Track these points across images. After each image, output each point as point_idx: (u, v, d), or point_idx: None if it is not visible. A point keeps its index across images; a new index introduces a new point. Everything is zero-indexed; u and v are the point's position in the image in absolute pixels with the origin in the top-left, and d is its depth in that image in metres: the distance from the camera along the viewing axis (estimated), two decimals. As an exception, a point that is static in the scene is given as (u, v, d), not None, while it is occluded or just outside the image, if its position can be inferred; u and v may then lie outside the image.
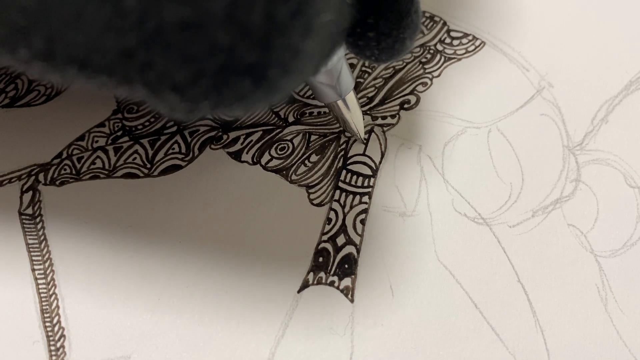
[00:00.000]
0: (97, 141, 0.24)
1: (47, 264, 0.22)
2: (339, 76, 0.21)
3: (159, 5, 0.12)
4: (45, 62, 0.13)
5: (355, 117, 0.23)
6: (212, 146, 0.24)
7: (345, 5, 0.15)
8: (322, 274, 0.22)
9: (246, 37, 0.12)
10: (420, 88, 0.26)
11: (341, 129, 0.24)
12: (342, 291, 0.21)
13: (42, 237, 0.22)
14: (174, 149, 0.24)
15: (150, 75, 0.13)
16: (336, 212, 0.23)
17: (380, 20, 0.16)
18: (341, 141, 0.24)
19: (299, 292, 0.21)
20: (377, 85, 0.26)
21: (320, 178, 0.24)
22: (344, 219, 0.23)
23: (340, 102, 0.22)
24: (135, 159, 0.24)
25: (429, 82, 0.26)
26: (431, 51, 0.27)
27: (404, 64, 0.26)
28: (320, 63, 0.16)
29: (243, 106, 0.14)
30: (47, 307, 0.21)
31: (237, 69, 0.13)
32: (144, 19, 0.12)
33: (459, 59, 0.26)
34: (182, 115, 0.14)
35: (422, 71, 0.26)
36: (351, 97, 0.22)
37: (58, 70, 0.13)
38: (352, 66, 0.26)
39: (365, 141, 0.24)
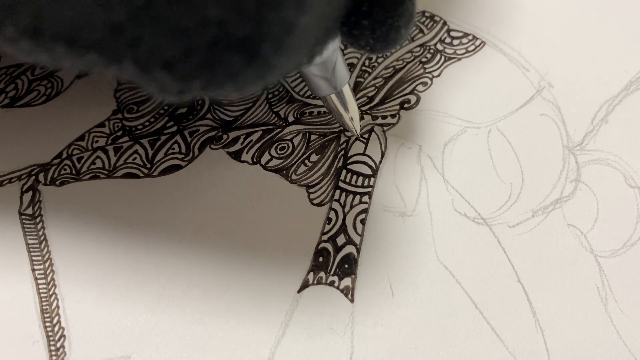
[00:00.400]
0: (97, 141, 0.24)
1: (47, 264, 0.22)
2: (334, 68, 0.20)
3: None
4: (33, 40, 0.13)
5: (350, 110, 0.23)
6: (212, 146, 0.24)
7: None
8: (322, 274, 0.22)
9: (238, 10, 0.12)
10: (420, 88, 0.26)
11: (341, 128, 0.24)
12: (342, 291, 0.21)
13: (42, 237, 0.22)
14: (174, 149, 0.24)
15: (139, 51, 0.12)
16: (336, 212, 0.23)
17: (375, 7, 0.16)
18: (341, 141, 0.24)
19: (299, 292, 0.21)
20: (377, 85, 0.26)
21: (320, 178, 0.24)
22: (344, 219, 0.23)
23: (334, 96, 0.22)
24: (135, 159, 0.24)
25: (429, 82, 0.26)
26: (431, 51, 0.27)
27: (404, 63, 0.26)
28: (314, 48, 0.15)
29: (235, 85, 0.13)
30: (47, 307, 0.21)
31: (229, 44, 0.12)
32: None
33: (459, 59, 0.26)
34: (173, 95, 0.13)
35: (422, 71, 0.26)
36: (346, 91, 0.22)
37: (46, 48, 0.13)
38: (352, 65, 0.26)
39: (361, 136, 0.24)
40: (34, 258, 0.22)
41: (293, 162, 0.24)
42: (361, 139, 0.24)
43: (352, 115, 0.23)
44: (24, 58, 0.13)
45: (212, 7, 0.12)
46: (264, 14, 0.12)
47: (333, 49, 0.19)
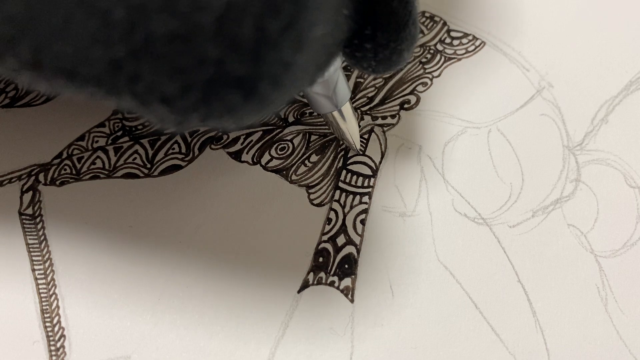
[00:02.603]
0: (97, 141, 0.24)
1: (47, 264, 0.22)
2: (335, 87, 0.20)
3: (147, 17, 0.12)
4: (34, 72, 0.13)
5: (350, 128, 0.23)
6: (212, 146, 0.24)
7: (341, 17, 0.15)
8: (322, 274, 0.22)
9: (236, 50, 0.12)
10: (420, 88, 0.26)
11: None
12: (342, 291, 0.21)
13: (42, 237, 0.22)
14: (174, 149, 0.24)
15: (138, 86, 0.13)
16: (336, 212, 0.23)
17: (378, 31, 0.16)
18: (341, 142, 0.24)
19: (299, 292, 0.21)
20: (377, 85, 0.26)
21: (320, 178, 0.24)
22: (344, 219, 0.23)
23: (336, 113, 0.22)
24: (135, 159, 0.24)
25: (429, 82, 0.26)
26: (431, 51, 0.27)
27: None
28: (315, 74, 0.16)
29: (233, 119, 0.13)
30: (47, 307, 0.21)
31: (227, 82, 0.12)
32: (132, 30, 0.12)
33: (459, 59, 0.26)
34: (172, 126, 0.14)
35: (422, 71, 0.26)
36: (347, 108, 0.22)
37: (46, 80, 0.13)
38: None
39: (360, 152, 0.24)
40: (34, 258, 0.22)
41: (293, 162, 0.24)
42: (360, 154, 0.24)
43: (352, 132, 0.23)
44: (25, 86, 0.14)
45: (211, 46, 0.12)
46: (262, 53, 0.12)
47: (335, 69, 0.19)
